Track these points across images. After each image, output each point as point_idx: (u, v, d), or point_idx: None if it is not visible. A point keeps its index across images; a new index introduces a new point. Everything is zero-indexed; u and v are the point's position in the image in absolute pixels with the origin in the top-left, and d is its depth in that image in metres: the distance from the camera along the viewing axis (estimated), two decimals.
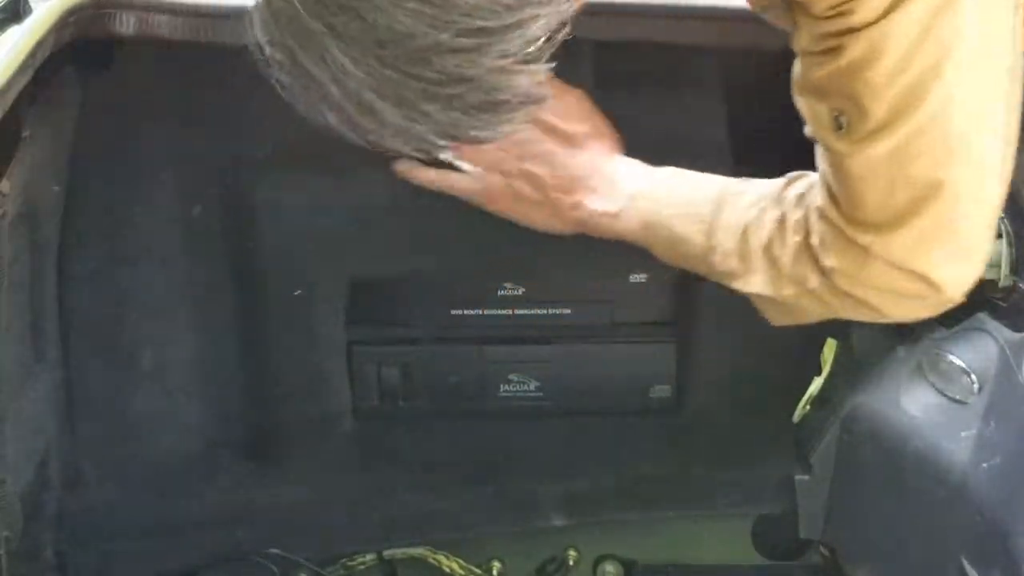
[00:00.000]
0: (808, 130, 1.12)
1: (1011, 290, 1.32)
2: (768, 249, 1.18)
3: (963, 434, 1.32)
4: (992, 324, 1.33)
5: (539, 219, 1.37)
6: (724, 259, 1.23)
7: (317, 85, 0.86)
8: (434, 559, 1.69)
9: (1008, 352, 1.29)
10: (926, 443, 1.37)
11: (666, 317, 1.74)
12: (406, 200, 1.62)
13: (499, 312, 1.73)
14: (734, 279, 1.24)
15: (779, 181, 1.21)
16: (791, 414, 1.64)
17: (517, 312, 1.72)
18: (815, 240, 1.13)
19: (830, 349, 1.60)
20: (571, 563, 1.74)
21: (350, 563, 1.67)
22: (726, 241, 1.22)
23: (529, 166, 1.33)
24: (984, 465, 1.29)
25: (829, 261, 1.12)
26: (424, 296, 1.72)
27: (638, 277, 1.72)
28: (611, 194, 1.30)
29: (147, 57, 1.45)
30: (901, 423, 1.41)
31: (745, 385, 1.72)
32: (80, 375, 1.58)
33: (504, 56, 0.84)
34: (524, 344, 1.74)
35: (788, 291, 1.19)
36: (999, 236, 1.31)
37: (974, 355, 1.34)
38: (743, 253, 1.21)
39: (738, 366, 1.72)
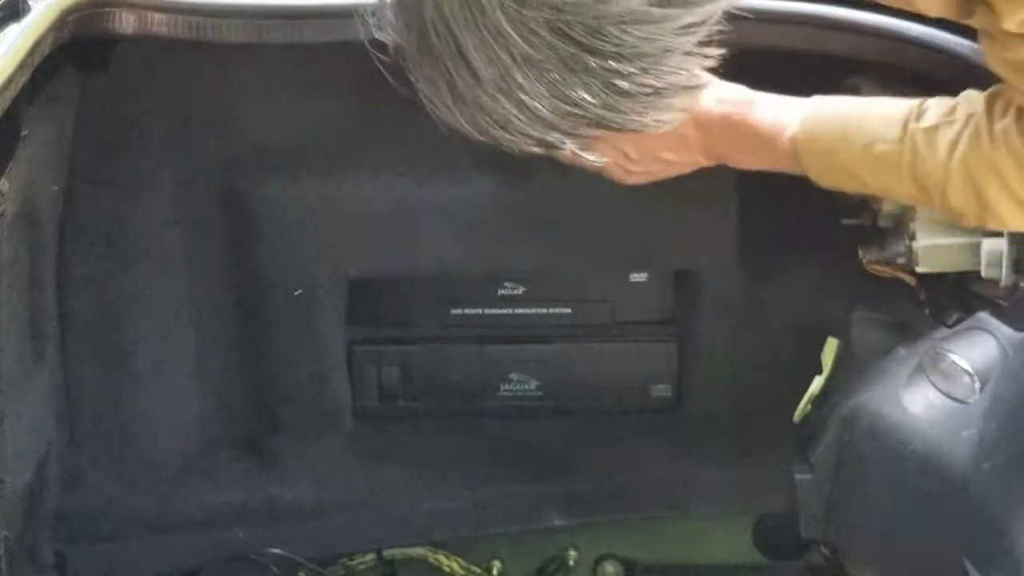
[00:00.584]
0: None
1: (1012, 289, 1.32)
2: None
3: (964, 434, 1.31)
4: (993, 323, 1.33)
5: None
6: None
7: (458, 63, 0.78)
8: (434, 559, 1.69)
9: (1009, 351, 1.29)
10: (927, 443, 1.36)
11: (666, 316, 1.74)
12: (406, 200, 1.62)
13: (499, 311, 1.73)
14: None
15: (972, 104, 1.18)
16: (791, 413, 1.64)
17: (517, 311, 1.73)
18: None
19: (830, 349, 1.60)
20: (571, 563, 1.74)
21: (350, 563, 1.67)
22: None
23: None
24: (985, 465, 1.28)
25: None
26: (424, 296, 1.72)
27: (638, 276, 1.72)
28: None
29: (146, 56, 1.45)
30: (902, 423, 1.40)
31: (746, 384, 1.72)
32: (79, 375, 1.58)
33: (684, 32, 0.78)
34: (524, 343, 1.74)
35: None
36: (1000, 235, 1.31)
37: (975, 354, 1.34)
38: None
39: (739, 365, 1.72)
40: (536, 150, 0.84)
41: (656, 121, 0.83)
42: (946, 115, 1.19)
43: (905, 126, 1.20)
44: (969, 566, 1.29)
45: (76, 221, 1.53)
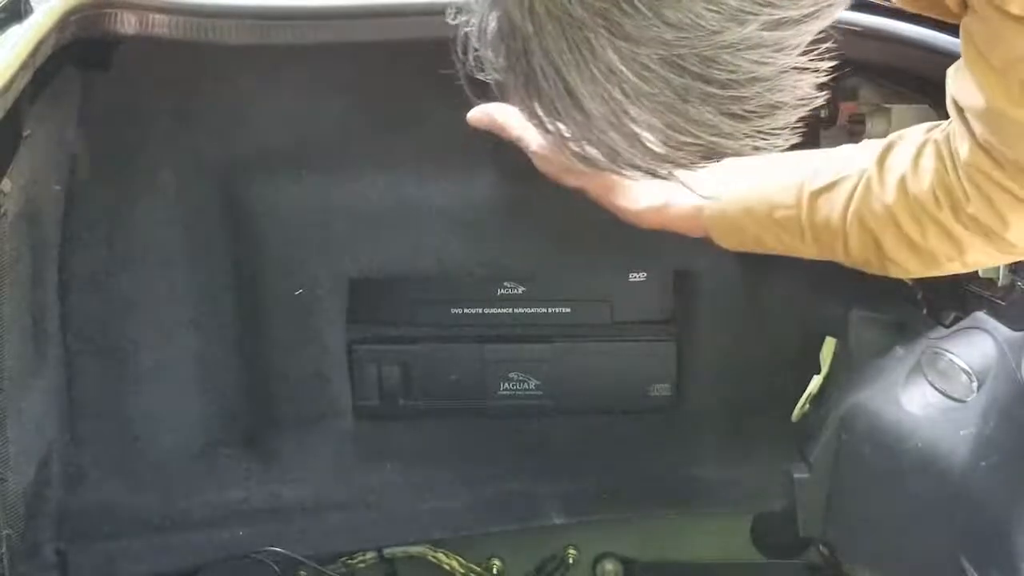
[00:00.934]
0: (964, 98, 1.08)
1: (1010, 289, 1.32)
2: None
3: (962, 433, 1.32)
4: (991, 323, 1.34)
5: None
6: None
7: (567, 103, 0.78)
8: (434, 557, 1.70)
9: (1007, 351, 1.29)
10: (925, 442, 1.37)
11: (666, 316, 1.75)
12: (406, 200, 1.62)
13: (499, 311, 1.73)
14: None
15: (867, 157, 1.21)
16: (790, 413, 1.64)
17: (517, 311, 1.73)
18: (956, 191, 1.12)
19: (829, 348, 1.61)
20: (571, 561, 1.74)
21: (350, 561, 1.68)
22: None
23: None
24: (983, 464, 1.29)
25: (971, 208, 1.11)
26: (424, 295, 1.72)
27: (638, 276, 1.72)
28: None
29: (147, 57, 1.46)
30: (900, 422, 1.41)
31: (745, 384, 1.73)
32: (81, 374, 1.58)
33: (795, 51, 0.77)
34: (524, 343, 1.75)
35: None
36: None
37: (973, 354, 1.34)
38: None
39: (738, 364, 1.73)
40: (638, 178, 0.84)
41: (769, 145, 0.82)
42: (838, 172, 1.21)
43: (800, 189, 1.23)
44: (967, 564, 1.29)
45: (78, 221, 1.53)
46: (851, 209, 1.20)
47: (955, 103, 1.09)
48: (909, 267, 1.22)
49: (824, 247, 1.25)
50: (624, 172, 0.84)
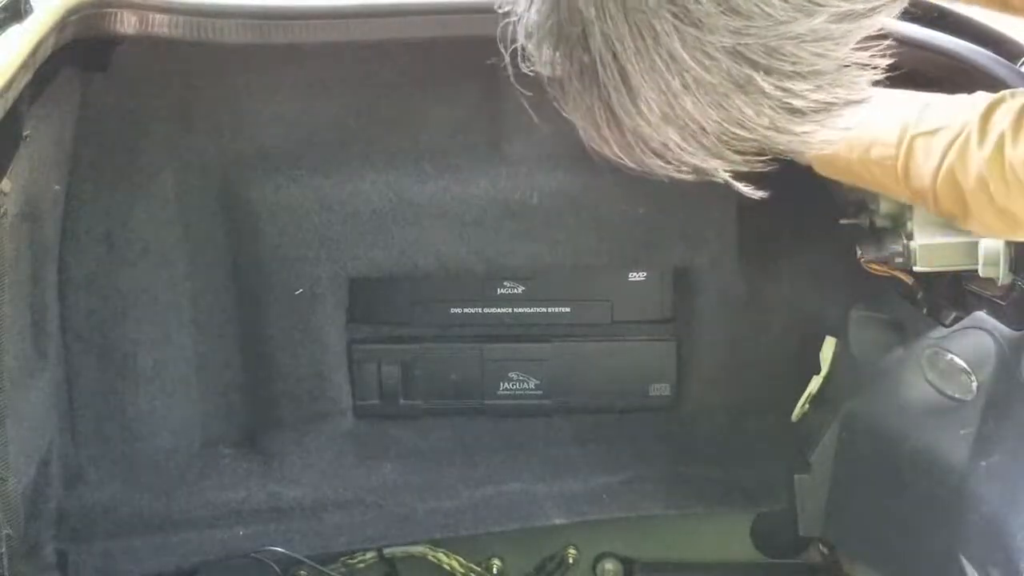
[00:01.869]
0: None
1: (1009, 288, 1.32)
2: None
3: (962, 432, 1.32)
4: (990, 322, 1.34)
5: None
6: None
7: (622, 94, 0.76)
8: (434, 557, 1.70)
9: (1007, 350, 1.29)
10: (925, 441, 1.37)
11: (665, 316, 1.75)
12: (406, 200, 1.62)
13: (499, 311, 1.73)
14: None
15: (974, 109, 1.18)
16: (790, 412, 1.64)
17: (517, 311, 1.73)
18: None
19: (829, 348, 1.61)
20: (571, 561, 1.74)
21: (350, 561, 1.68)
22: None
23: None
24: (983, 463, 1.29)
25: None
26: (424, 295, 1.72)
27: (637, 276, 1.73)
28: None
29: (147, 56, 1.46)
30: (900, 421, 1.41)
31: (744, 383, 1.73)
32: (81, 374, 1.58)
33: (858, 47, 0.76)
34: (524, 342, 1.75)
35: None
36: None
37: (973, 353, 1.34)
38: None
39: (737, 364, 1.73)
40: (687, 177, 0.82)
41: (821, 141, 0.81)
42: (942, 120, 1.20)
43: (903, 130, 1.21)
44: (966, 563, 1.29)
45: (77, 221, 1.53)
46: (947, 161, 1.18)
47: None
48: (992, 227, 1.20)
49: (915, 193, 1.23)
50: (675, 172, 0.81)
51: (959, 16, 1.38)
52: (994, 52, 1.33)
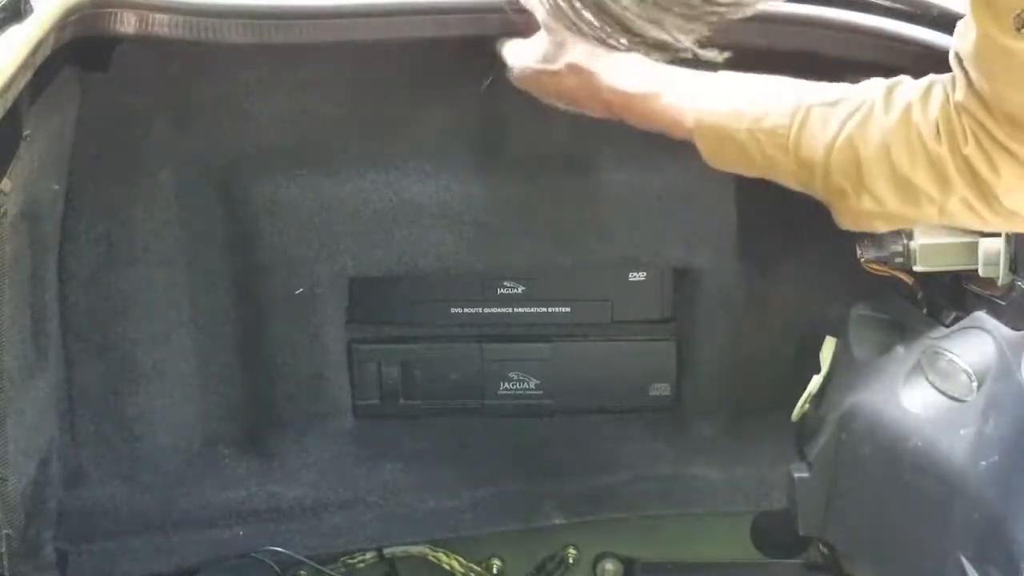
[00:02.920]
0: (962, 45, 1.09)
1: (1009, 288, 1.32)
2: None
3: (962, 432, 1.32)
4: (990, 322, 1.34)
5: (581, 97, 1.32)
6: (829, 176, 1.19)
7: None
8: (434, 557, 1.70)
9: (1007, 350, 1.29)
10: (925, 441, 1.37)
11: (665, 315, 1.75)
12: (406, 200, 1.63)
13: (499, 310, 1.73)
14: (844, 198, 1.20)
15: (875, 87, 1.19)
16: (790, 412, 1.64)
17: (517, 310, 1.73)
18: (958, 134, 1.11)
19: (829, 348, 1.61)
20: (571, 561, 1.74)
21: (350, 561, 1.68)
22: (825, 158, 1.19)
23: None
24: (983, 463, 1.29)
25: (967, 150, 1.10)
26: (424, 295, 1.72)
27: (637, 275, 1.73)
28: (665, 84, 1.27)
29: (147, 56, 1.46)
30: (900, 421, 1.41)
31: (744, 383, 1.73)
32: (81, 374, 1.58)
33: None
34: (524, 342, 1.75)
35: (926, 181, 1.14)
36: (998, 234, 1.31)
37: (973, 353, 1.34)
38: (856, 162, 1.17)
39: (737, 364, 1.73)
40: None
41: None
42: (842, 93, 1.19)
43: (798, 101, 1.20)
44: (966, 564, 1.29)
45: (77, 220, 1.53)
46: (845, 129, 1.17)
47: (956, 55, 1.10)
48: (885, 201, 1.18)
49: (803, 166, 1.20)
50: (611, 40, 0.88)
51: (952, 13, 1.38)
52: None
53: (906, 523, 1.42)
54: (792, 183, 1.24)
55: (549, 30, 1.27)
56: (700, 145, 1.26)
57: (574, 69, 1.28)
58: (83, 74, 1.44)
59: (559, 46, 1.28)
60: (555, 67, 1.29)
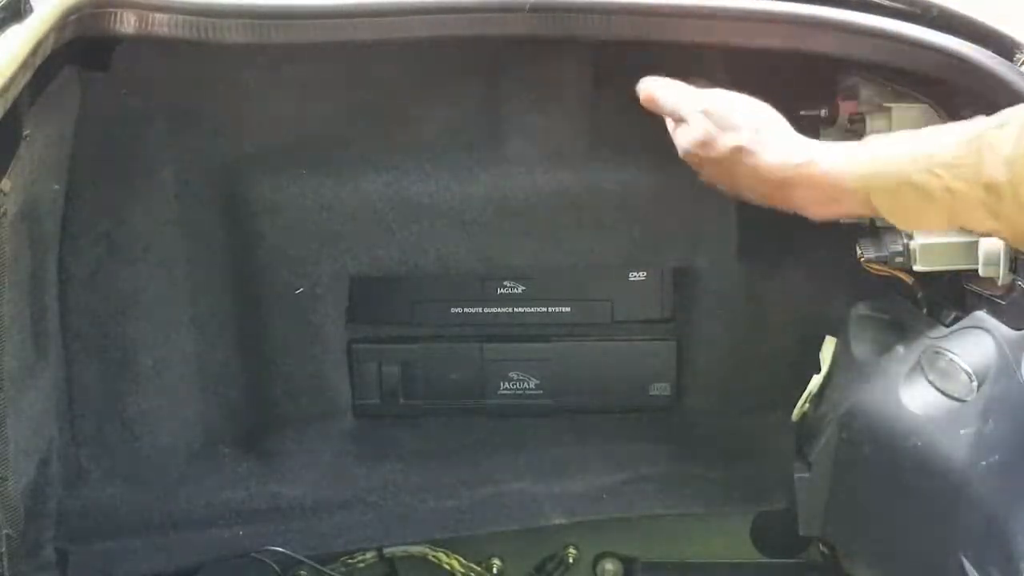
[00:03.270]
0: None
1: (1009, 288, 1.32)
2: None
3: (962, 432, 1.32)
4: (991, 322, 1.34)
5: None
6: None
7: None
8: (434, 557, 1.70)
9: (1007, 350, 1.29)
10: (925, 441, 1.37)
11: (666, 315, 1.75)
12: (406, 199, 1.63)
13: (499, 310, 1.73)
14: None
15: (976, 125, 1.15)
16: (790, 412, 1.64)
17: (517, 310, 1.73)
18: None
19: (829, 348, 1.61)
20: (571, 561, 1.74)
21: (350, 560, 1.68)
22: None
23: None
24: (983, 463, 1.29)
25: None
26: (424, 294, 1.72)
27: (637, 275, 1.73)
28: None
29: (147, 56, 1.46)
30: (900, 421, 1.41)
31: (744, 383, 1.73)
32: (81, 373, 1.58)
33: None
34: (524, 342, 1.75)
35: None
36: None
37: (973, 353, 1.34)
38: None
39: (738, 364, 1.73)
40: None
41: None
42: (1004, 116, 1.13)
43: (964, 129, 1.15)
44: (966, 563, 1.29)
45: (77, 220, 1.53)
46: (1023, 143, 1.10)
47: None
48: None
49: (991, 191, 1.11)
50: None
51: (952, 12, 1.38)
52: (988, 48, 1.33)
53: (906, 523, 1.42)
54: (978, 217, 1.16)
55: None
56: (875, 201, 1.19)
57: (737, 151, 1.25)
58: (83, 74, 1.45)
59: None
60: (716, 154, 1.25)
